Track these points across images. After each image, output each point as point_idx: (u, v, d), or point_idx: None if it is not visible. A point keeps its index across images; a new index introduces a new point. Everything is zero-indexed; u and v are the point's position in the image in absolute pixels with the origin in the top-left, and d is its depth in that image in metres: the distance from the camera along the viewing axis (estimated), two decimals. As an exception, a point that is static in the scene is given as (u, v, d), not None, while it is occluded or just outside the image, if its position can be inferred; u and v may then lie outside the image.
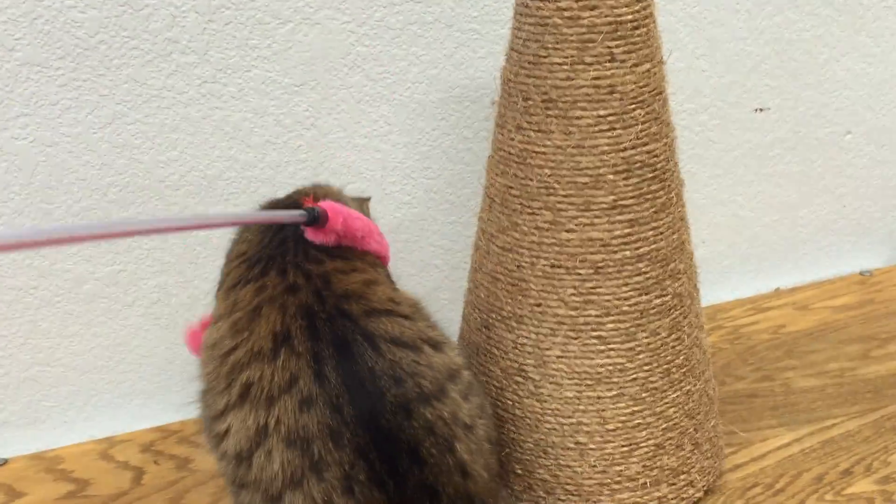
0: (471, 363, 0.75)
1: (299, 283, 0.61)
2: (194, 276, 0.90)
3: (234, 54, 0.85)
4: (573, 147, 0.66)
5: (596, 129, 0.66)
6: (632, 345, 0.69)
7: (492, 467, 0.60)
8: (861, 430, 0.82)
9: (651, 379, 0.70)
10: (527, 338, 0.70)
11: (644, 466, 0.71)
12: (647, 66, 0.67)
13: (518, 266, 0.70)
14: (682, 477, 0.73)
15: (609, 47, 0.65)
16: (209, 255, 0.90)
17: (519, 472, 0.72)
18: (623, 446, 0.70)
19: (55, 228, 0.45)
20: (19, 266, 0.84)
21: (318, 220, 0.61)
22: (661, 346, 0.70)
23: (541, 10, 0.65)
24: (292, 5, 0.85)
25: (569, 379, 0.70)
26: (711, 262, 1.12)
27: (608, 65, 0.65)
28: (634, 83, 0.66)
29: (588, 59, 0.65)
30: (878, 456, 0.79)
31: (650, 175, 0.68)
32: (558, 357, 0.70)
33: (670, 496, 0.72)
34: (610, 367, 0.69)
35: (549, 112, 0.66)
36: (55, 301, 0.86)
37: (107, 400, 0.91)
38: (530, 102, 0.67)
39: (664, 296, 0.70)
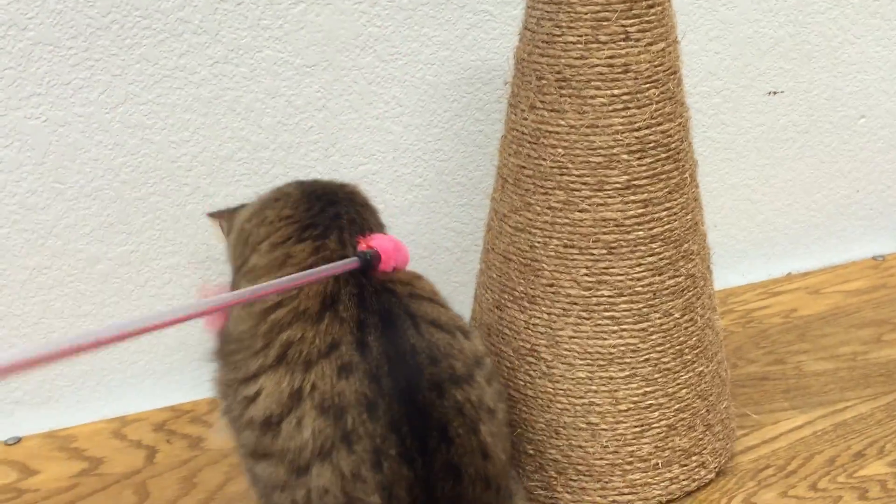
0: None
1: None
2: (206, 257, 0.90)
3: (245, 35, 0.85)
4: (587, 126, 0.66)
5: (610, 108, 0.65)
6: (644, 325, 0.69)
7: (507, 450, 0.60)
8: (874, 413, 0.82)
9: (663, 360, 0.70)
10: (539, 318, 0.70)
11: (656, 447, 0.71)
12: (662, 45, 0.66)
13: (531, 246, 0.70)
14: (693, 458, 0.73)
15: (624, 26, 0.64)
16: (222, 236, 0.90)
17: (530, 452, 0.73)
18: (635, 427, 0.70)
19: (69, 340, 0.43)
20: (33, 246, 0.84)
21: (371, 264, 0.60)
22: (674, 326, 0.70)
23: (555, -13, 0.64)
24: (304, -15, 0.85)
25: (581, 359, 0.70)
26: (723, 246, 1.12)
27: (623, 43, 0.65)
28: (649, 62, 0.66)
29: (602, 38, 0.65)
30: (891, 438, 0.78)
31: (664, 155, 0.67)
32: (571, 337, 0.70)
33: (682, 477, 0.72)
34: (622, 348, 0.69)
35: (563, 91, 0.66)
36: (68, 281, 0.86)
37: (119, 380, 0.91)
38: (544, 82, 0.67)
39: (677, 276, 0.70)
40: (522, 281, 0.71)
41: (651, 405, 0.70)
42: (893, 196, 1.18)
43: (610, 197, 0.67)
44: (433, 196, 0.97)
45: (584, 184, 0.67)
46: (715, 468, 0.74)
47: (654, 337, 0.70)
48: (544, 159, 0.68)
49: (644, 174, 0.67)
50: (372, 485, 0.53)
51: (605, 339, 0.69)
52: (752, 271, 1.13)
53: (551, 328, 0.70)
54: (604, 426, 0.70)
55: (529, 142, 0.69)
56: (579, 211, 0.67)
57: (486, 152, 0.97)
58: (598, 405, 0.70)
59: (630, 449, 0.71)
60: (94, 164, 0.84)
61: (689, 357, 0.71)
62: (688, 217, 0.70)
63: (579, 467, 0.71)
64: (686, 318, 0.71)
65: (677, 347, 0.70)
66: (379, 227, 0.72)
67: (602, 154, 0.66)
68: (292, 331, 0.57)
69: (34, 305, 0.86)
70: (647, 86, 0.66)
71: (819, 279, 1.08)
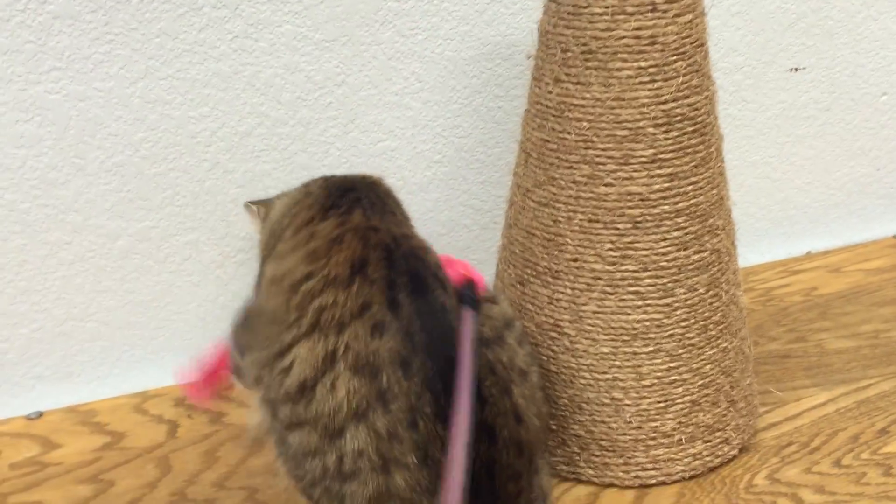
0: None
1: (380, 227, 0.61)
2: (225, 233, 0.90)
3: (265, 9, 0.84)
4: (613, 99, 0.65)
5: (636, 80, 0.65)
6: (669, 300, 0.69)
7: (542, 415, 0.60)
8: (897, 391, 0.82)
9: (688, 335, 0.70)
10: (563, 293, 0.70)
11: (679, 423, 0.71)
12: (689, 16, 0.66)
13: (554, 221, 0.69)
14: (717, 434, 0.72)
15: (651, -4, 0.63)
16: (240, 213, 0.89)
17: (553, 427, 0.72)
18: (659, 402, 0.70)
19: None
20: (53, 221, 0.84)
21: (474, 295, 0.60)
22: (699, 302, 0.70)
23: (582, -42, 0.64)
24: (324, -42, 0.84)
25: (605, 334, 0.69)
26: (743, 224, 1.10)
27: (649, 15, 0.64)
28: (676, 34, 0.65)
29: (629, 9, 0.64)
30: (915, 416, 0.78)
31: (690, 129, 0.67)
32: (594, 312, 0.69)
33: (705, 453, 0.72)
34: (647, 323, 0.69)
35: (589, 64, 0.65)
36: (88, 256, 0.86)
37: (139, 355, 0.91)
38: (569, 54, 0.66)
39: (702, 251, 0.69)
40: (546, 256, 0.70)
41: (675, 381, 0.70)
42: (915, 174, 1.17)
43: (635, 171, 0.66)
44: (452, 173, 0.97)
45: (610, 158, 0.66)
46: (738, 444, 0.74)
47: (678, 312, 0.69)
48: (569, 133, 0.67)
49: (670, 148, 0.66)
50: (408, 444, 0.53)
51: (629, 314, 0.69)
52: (771, 250, 1.12)
53: (575, 303, 0.70)
54: (627, 401, 0.70)
55: (554, 115, 0.68)
56: (604, 185, 0.67)
57: (505, 129, 0.96)
58: (621, 381, 0.70)
59: (653, 424, 0.70)
60: (113, 139, 0.84)
61: (714, 333, 0.71)
62: (713, 192, 0.69)
63: (602, 443, 0.71)
64: (711, 293, 0.70)
65: (702, 323, 0.70)
66: (404, 218, 0.72)
67: (628, 127, 0.66)
68: (324, 297, 0.57)
69: (55, 281, 0.86)
70: (674, 58, 0.65)
71: (839, 258, 1.08)
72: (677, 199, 0.67)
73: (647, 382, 0.70)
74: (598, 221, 0.68)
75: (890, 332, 0.91)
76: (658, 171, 0.66)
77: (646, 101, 0.65)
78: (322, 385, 0.55)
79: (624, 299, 0.69)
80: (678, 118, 0.66)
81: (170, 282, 0.90)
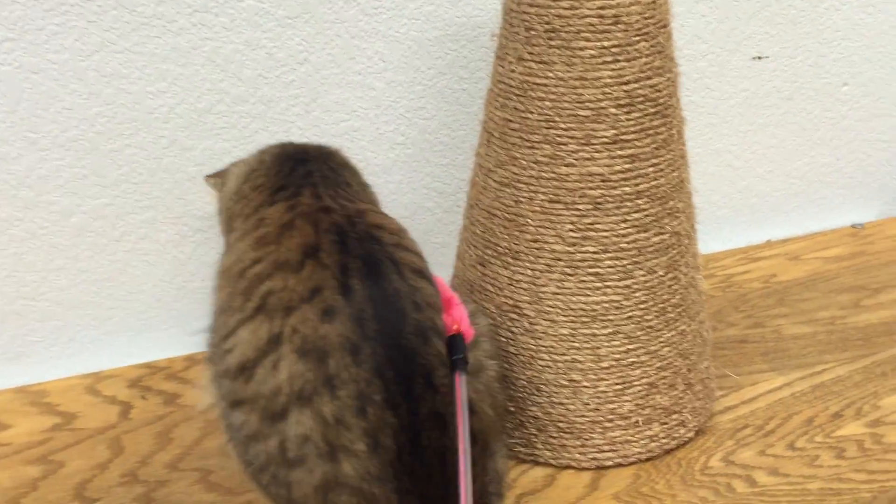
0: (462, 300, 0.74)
1: (333, 206, 0.60)
2: (183, 212, 0.88)
3: (225, -17, 0.82)
4: (575, 79, 0.65)
5: (599, 60, 0.64)
6: (628, 282, 0.69)
7: (498, 406, 0.60)
8: (851, 376, 0.82)
9: (646, 317, 0.70)
10: (523, 274, 0.70)
11: (637, 405, 0.71)
12: (653, -3, 0.65)
13: (516, 201, 0.69)
14: (673, 416, 0.73)
15: (615, -24, 0.63)
16: (198, 192, 0.88)
17: (511, 409, 0.72)
18: (616, 384, 0.70)
19: None
20: (4, 196, 0.82)
21: (460, 344, 0.58)
22: (658, 284, 0.70)
23: (546, -65, 0.63)
24: (287, -67, 0.83)
25: (564, 316, 0.69)
26: (704, 211, 1.11)
27: (613, -6, 0.64)
28: (640, 14, 0.65)
29: (593, -12, 0.63)
30: (868, 400, 0.79)
31: (652, 110, 0.67)
32: (554, 294, 0.69)
33: (661, 435, 0.72)
34: (606, 305, 0.69)
35: (552, 42, 0.65)
36: (41, 234, 0.84)
37: (93, 336, 0.89)
38: (532, 33, 0.66)
39: (662, 234, 0.69)
40: (506, 237, 0.70)
41: (633, 363, 0.70)
42: (873, 165, 1.18)
43: (597, 151, 0.66)
44: (415, 155, 0.96)
45: (572, 138, 0.66)
46: (694, 427, 0.74)
47: (637, 294, 0.69)
48: (531, 112, 0.67)
49: (632, 129, 0.66)
50: (357, 432, 0.52)
51: (588, 295, 0.69)
52: (732, 238, 1.13)
53: (535, 284, 0.69)
54: (585, 383, 0.70)
55: (516, 94, 0.67)
56: (566, 165, 0.67)
57: (469, 111, 0.95)
58: (580, 362, 0.70)
59: (611, 406, 0.71)
60: (68, 113, 0.81)
61: (672, 315, 0.71)
62: (674, 174, 0.69)
63: (560, 424, 0.71)
64: (670, 275, 0.70)
65: (660, 305, 0.70)
66: (361, 187, 0.71)
67: (590, 107, 0.65)
68: (272, 281, 0.55)
69: (6, 258, 0.84)
70: (637, 38, 0.65)
71: (798, 245, 1.09)
72: (638, 180, 0.67)
73: (605, 364, 0.70)
74: (559, 202, 0.67)
75: (846, 318, 0.92)
76: (619, 153, 0.66)
77: (608, 81, 0.65)
78: (263, 367, 0.53)
79: (584, 281, 0.68)
80: (640, 99, 0.66)
81: (125, 261, 0.88)
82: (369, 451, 0.52)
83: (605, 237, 0.68)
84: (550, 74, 0.65)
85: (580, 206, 0.67)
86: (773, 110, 1.10)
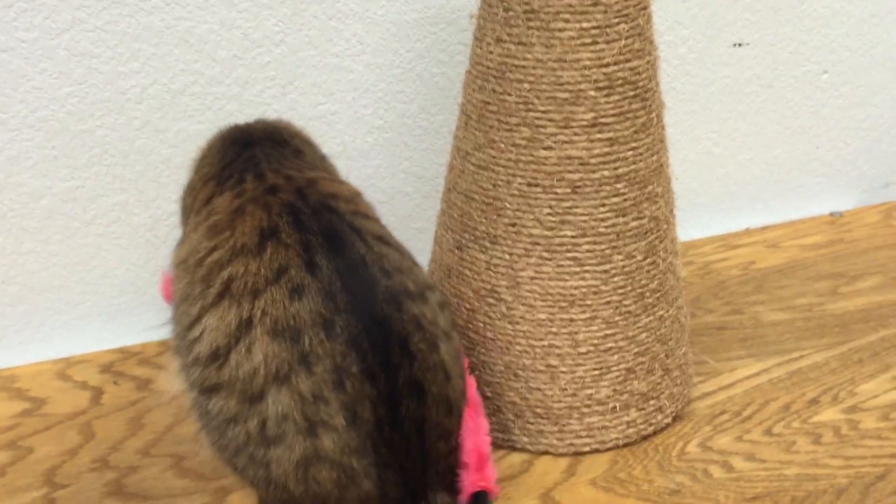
0: (442, 286, 0.73)
1: (279, 184, 0.59)
2: (156, 195, 0.87)
3: (200, -39, 0.81)
4: (554, 61, 0.64)
5: (578, 42, 0.64)
6: (607, 267, 0.68)
7: (462, 387, 0.59)
8: (828, 362, 0.83)
9: (625, 302, 0.69)
10: (500, 258, 0.69)
11: (614, 390, 0.71)
12: (633, -22, 0.65)
13: (494, 185, 0.68)
14: (651, 402, 0.72)
15: (595, -44, 0.62)
16: (171, 175, 0.86)
17: (488, 395, 0.72)
18: (594, 370, 0.70)
19: None
20: (-29, 177, 0.80)
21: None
22: (636, 269, 0.69)
23: (525, -87, 0.62)
24: (263, -89, 0.81)
25: (542, 301, 0.69)
26: (683, 198, 1.10)
27: (593, -25, 0.63)
28: (619, -5, 0.64)
29: (572, -31, 0.62)
30: (845, 386, 0.79)
31: (631, 93, 0.66)
32: (532, 278, 0.68)
33: (639, 421, 0.72)
34: (584, 290, 0.68)
35: (531, 24, 0.64)
36: (10, 216, 0.83)
37: (64, 321, 0.88)
38: (511, 13, 0.65)
39: (641, 218, 0.69)
40: (484, 220, 0.69)
41: (611, 348, 0.70)
42: (852, 154, 1.19)
43: (576, 134, 0.65)
44: (394, 139, 0.95)
45: (550, 120, 0.65)
46: (672, 413, 0.74)
47: (615, 279, 0.69)
48: (509, 94, 0.66)
49: (611, 112, 0.65)
50: (335, 406, 0.52)
51: (566, 280, 0.68)
52: (711, 226, 1.13)
53: (512, 269, 0.69)
54: (563, 369, 0.70)
55: (495, 76, 0.67)
56: (544, 148, 0.66)
57: (448, 95, 0.94)
58: (557, 347, 0.69)
59: (588, 392, 0.70)
60: (37, 93, 0.80)
61: (651, 300, 0.71)
62: (653, 158, 0.69)
63: (537, 410, 0.71)
64: (648, 260, 0.70)
65: (639, 290, 0.70)
66: (315, 157, 0.70)
67: (569, 90, 0.65)
68: (233, 267, 0.55)
69: (-27, 241, 0.82)
70: (617, 20, 0.64)
71: (777, 233, 1.09)
72: (617, 164, 0.67)
73: (582, 350, 0.69)
74: (537, 185, 0.67)
75: (823, 305, 0.92)
76: (598, 136, 0.66)
77: (587, 63, 0.64)
78: (236, 351, 0.52)
79: (561, 265, 0.68)
80: (619, 82, 0.65)
81: (97, 244, 0.87)
82: (348, 425, 0.52)
83: (584, 221, 0.67)
84: (529, 56, 0.64)
85: (558, 190, 0.66)
86: (753, 98, 1.10)
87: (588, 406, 0.70)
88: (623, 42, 0.64)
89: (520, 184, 0.67)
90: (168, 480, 0.68)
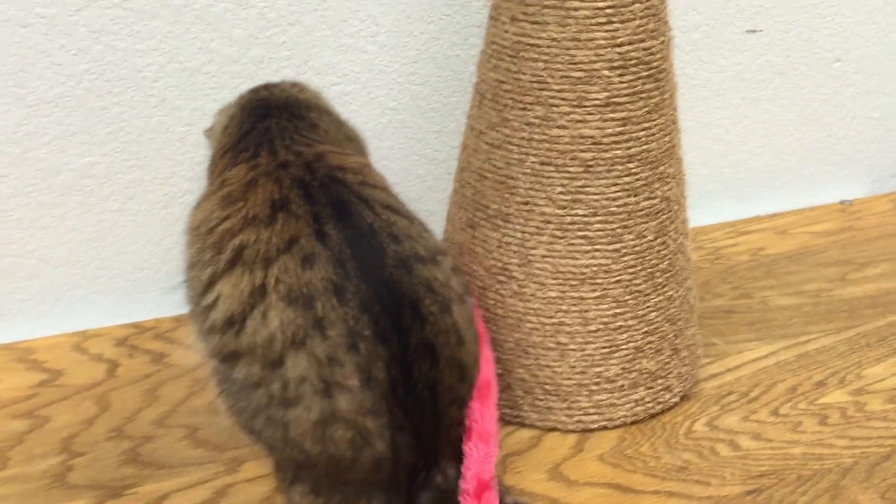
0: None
1: (290, 160, 0.60)
2: (171, 172, 0.88)
3: (218, -60, 0.82)
4: (569, 40, 0.65)
5: (593, 21, 0.64)
6: (617, 246, 0.69)
7: (476, 352, 0.60)
8: (836, 346, 0.83)
9: (635, 281, 0.70)
10: (512, 236, 0.70)
11: (623, 369, 0.71)
12: (648, -41, 0.65)
13: (507, 163, 0.69)
14: (659, 381, 0.73)
15: (610, -64, 0.63)
16: (187, 152, 0.87)
17: (499, 371, 0.72)
18: (603, 348, 0.70)
19: None
20: (-10, 152, 0.81)
21: None
22: (647, 249, 0.70)
23: None
24: None
25: (553, 279, 0.69)
26: (694, 185, 1.10)
27: (608, -45, 0.63)
28: (634, -24, 0.64)
29: (588, -52, 0.63)
30: (852, 370, 0.80)
31: (645, 73, 0.67)
32: (543, 256, 0.69)
33: (647, 399, 0.73)
34: (595, 268, 0.69)
35: (546, 3, 0.65)
36: (28, 191, 0.84)
37: (80, 296, 0.89)
38: (526, -7, 0.65)
39: (652, 198, 0.69)
40: (497, 199, 0.70)
41: (620, 327, 0.70)
42: (864, 142, 1.19)
43: (589, 114, 0.66)
44: (407, 121, 0.95)
45: (564, 99, 0.66)
46: (679, 392, 0.75)
47: (626, 258, 0.69)
48: (524, 73, 0.66)
49: (624, 92, 0.66)
50: (350, 367, 0.53)
51: (577, 258, 0.69)
52: (721, 213, 1.14)
53: (524, 247, 0.69)
54: (573, 346, 0.70)
55: (509, 55, 0.67)
56: (557, 127, 0.67)
57: (462, 78, 0.95)
58: (567, 325, 0.70)
59: (597, 370, 0.71)
60: (56, 69, 0.81)
61: (660, 280, 0.71)
62: (666, 139, 0.69)
63: (546, 387, 0.71)
64: (659, 240, 0.70)
65: (649, 270, 0.70)
66: (334, 126, 0.70)
67: (583, 69, 0.65)
68: (245, 235, 0.56)
69: (-8, 215, 0.83)
70: (632, 0, 0.64)
71: (787, 220, 1.09)
72: (629, 144, 0.67)
73: (592, 328, 0.70)
74: (549, 164, 0.67)
75: (832, 290, 0.93)
76: (611, 115, 0.66)
77: (602, 42, 0.64)
78: (252, 318, 0.54)
79: (573, 244, 0.69)
80: (633, 62, 0.66)
81: (113, 221, 0.88)
82: (362, 386, 0.53)
83: (596, 200, 0.68)
84: (544, 35, 0.65)
85: (571, 169, 0.67)
86: (766, 85, 1.10)
87: (597, 384, 0.71)
88: (637, 22, 0.65)
89: (532, 162, 0.68)
90: (182, 450, 0.69)
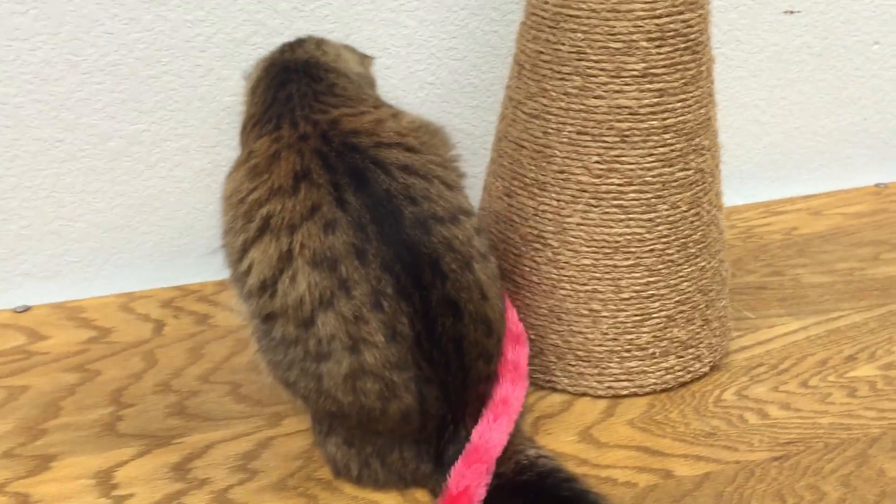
0: (490, 231, 0.76)
1: (308, 132, 0.63)
2: (216, 141, 0.91)
3: (265, -86, 0.84)
4: (608, 11, 0.66)
5: (632, -8, 0.65)
6: (651, 216, 0.70)
7: (502, 310, 0.62)
8: (867, 323, 0.84)
9: (668, 251, 0.71)
10: (548, 205, 0.71)
11: (654, 336, 0.73)
12: (688, -68, 0.66)
13: (544, 132, 0.70)
14: (690, 350, 0.75)
15: None
16: (232, 122, 0.90)
17: (531, 337, 0.74)
18: (635, 315, 0.72)
19: None
20: (46, 117, 0.84)
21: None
22: (680, 219, 0.71)
23: None
24: None
25: (587, 247, 0.71)
26: (728, 166, 1.11)
27: (649, -72, 0.64)
28: (674, -52, 0.65)
29: (629, -79, 0.64)
30: (883, 345, 0.80)
31: (682, 45, 0.68)
32: (578, 224, 0.71)
33: (677, 368, 0.74)
34: (628, 237, 0.70)
35: (586, -26, 0.66)
36: (80, 156, 0.87)
37: (127, 259, 0.92)
38: (567, -35, 0.67)
39: (687, 170, 0.71)
40: (534, 168, 0.72)
41: (652, 295, 0.72)
42: (900, 126, 1.18)
43: (626, 84, 0.67)
44: (445, 95, 0.97)
45: (602, 70, 0.67)
46: (709, 362, 0.76)
47: (660, 228, 0.71)
48: (563, 44, 0.68)
49: (661, 63, 0.67)
50: (374, 324, 0.56)
51: (611, 227, 0.70)
52: (755, 194, 1.14)
53: (559, 215, 0.71)
54: (605, 313, 0.72)
55: (549, 27, 0.69)
56: (595, 97, 0.68)
57: (499, 54, 0.97)
58: (600, 292, 0.71)
59: (629, 337, 0.72)
60: (108, 37, 0.84)
61: (693, 251, 0.73)
62: (702, 111, 0.71)
63: (578, 353, 0.73)
64: (692, 211, 0.72)
65: (682, 240, 0.72)
66: (350, 84, 0.71)
67: (621, 40, 0.66)
68: (271, 205, 0.59)
69: (45, 178, 0.86)
70: (671, -28, 0.66)
71: (821, 202, 1.09)
72: (665, 114, 0.68)
73: (625, 295, 0.71)
74: (586, 134, 0.69)
75: (865, 269, 0.93)
76: (648, 86, 0.67)
77: (641, 13, 0.66)
78: (282, 282, 0.57)
79: (608, 212, 0.70)
80: (671, 33, 0.67)
81: (160, 187, 0.91)
82: (388, 341, 0.56)
83: (631, 170, 0.69)
84: (583, 6, 0.66)
85: (607, 139, 0.68)
86: (803, 66, 1.10)
87: (628, 351, 0.73)
88: (676, -6, 0.66)
89: (570, 132, 0.69)
90: (226, 405, 0.72)
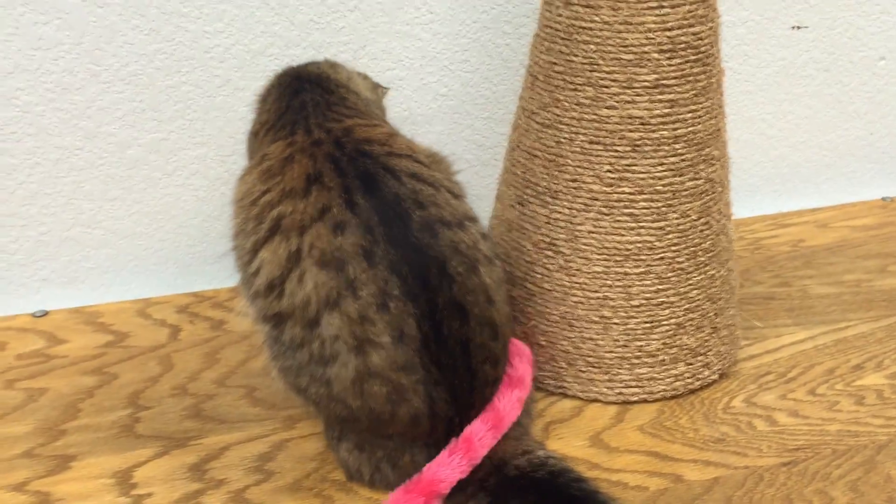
0: (502, 239, 0.77)
1: (322, 138, 0.64)
2: (233, 150, 0.92)
3: (284, -72, 0.86)
4: (620, 23, 0.68)
5: (644, 5, 0.67)
6: (662, 224, 0.71)
7: (508, 314, 0.63)
8: (874, 333, 0.85)
9: (678, 259, 0.73)
10: (560, 213, 0.73)
11: (664, 344, 0.74)
12: (699, -53, 0.68)
13: (557, 142, 0.72)
14: (699, 358, 0.76)
15: (663, -76, 0.65)
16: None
17: (542, 343, 0.75)
18: (645, 322, 0.73)
19: None
20: (66, 125, 0.86)
21: None
22: (690, 228, 0.72)
23: None
24: None
25: (598, 254, 0.72)
26: (735, 179, 1.12)
27: (660, -57, 0.66)
28: (685, -37, 0.67)
29: (641, -64, 0.66)
30: (890, 355, 0.81)
31: (693, 57, 0.69)
32: (590, 232, 0.72)
33: (686, 375, 0.75)
34: (639, 245, 0.72)
35: (599, -12, 0.67)
36: (99, 164, 0.88)
37: (143, 266, 0.94)
38: (580, -22, 0.68)
39: (697, 179, 0.72)
40: (546, 176, 0.73)
41: (662, 302, 0.73)
42: (906, 140, 1.19)
43: (638, 95, 0.69)
44: (457, 107, 0.99)
45: (614, 81, 0.69)
46: (718, 370, 0.77)
47: (670, 236, 0.72)
48: (576, 55, 0.69)
49: (673, 74, 0.69)
50: (381, 325, 0.57)
51: (622, 235, 0.72)
52: (762, 206, 1.15)
53: (571, 223, 0.72)
54: (616, 320, 0.73)
55: (562, 38, 0.70)
56: (607, 108, 0.69)
57: (511, 66, 0.98)
58: (611, 299, 0.73)
59: (639, 344, 0.73)
60: (129, 48, 0.85)
61: (703, 259, 0.74)
62: (712, 122, 0.72)
63: (589, 359, 0.74)
64: (702, 220, 0.73)
65: (692, 249, 0.73)
66: (358, 99, 0.73)
67: (633, 52, 0.68)
68: (282, 207, 0.61)
69: (65, 185, 0.88)
70: (682, -14, 0.67)
71: (827, 214, 1.10)
72: (676, 125, 0.70)
73: (635, 303, 0.73)
74: (598, 143, 0.70)
75: (872, 281, 0.94)
76: (659, 97, 0.69)
77: (652, 26, 0.67)
78: (290, 281, 0.58)
79: (619, 221, 0.71)
80: (682, 46, 0.68)
81: (176, 195, 0.92)
82: (394, 343, 0.57)
83: (642, 179, 0.70)
84: (596, 18, 0.68)
85: (619, 148, 0.70)
86: (810, 81, 1.12)
87: (638, 357, 0.74)
88: (687, 7, 0.68)
89: (582, 141, 0.71)
90: (242, 408, 0.73)
